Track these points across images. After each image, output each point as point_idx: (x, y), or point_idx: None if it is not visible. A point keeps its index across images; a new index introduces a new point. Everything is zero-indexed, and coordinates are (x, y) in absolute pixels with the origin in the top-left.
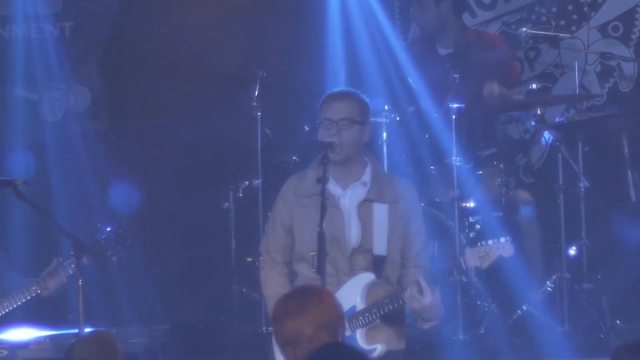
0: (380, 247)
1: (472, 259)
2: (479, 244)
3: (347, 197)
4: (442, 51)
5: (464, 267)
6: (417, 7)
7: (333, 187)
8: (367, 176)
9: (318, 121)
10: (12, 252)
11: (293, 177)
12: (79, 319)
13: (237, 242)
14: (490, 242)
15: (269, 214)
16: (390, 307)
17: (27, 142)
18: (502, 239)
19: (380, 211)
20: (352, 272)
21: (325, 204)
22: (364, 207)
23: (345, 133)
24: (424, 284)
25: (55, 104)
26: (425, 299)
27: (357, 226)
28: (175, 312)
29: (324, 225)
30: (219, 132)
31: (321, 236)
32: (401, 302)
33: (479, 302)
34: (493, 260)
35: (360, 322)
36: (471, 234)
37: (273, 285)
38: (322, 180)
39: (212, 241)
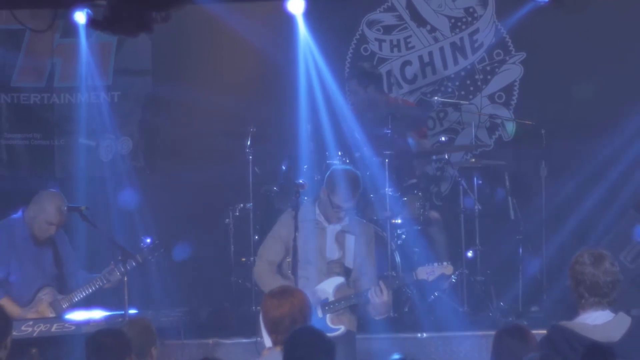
0: (349, 261)
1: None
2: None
3: (331, 227)
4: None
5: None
6: (351, 94)
7: (323, 221)
8: (345, 218)
9: (331, 204)
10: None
11: (289, 210)
12: (124, 305)
13: (235, 247)
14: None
15: (257, 226)
16: (354, 302)
17: (87, 176)
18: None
19: (350, 239)
20: (328, 275)
21: (297, 224)
22: (340, 235)
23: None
24: (383, 286)
25: (107, 148)
26: (384, 296)
27: (336, 247)
28: (191, 298)
29: (314, 241)
30: (223, 170)
31: (295, 249)
32: (363, 299)
33: (404, 290)
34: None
35: (330, 309)
36: (399, 242)
37: (270, 279)
38: (295, 206)
39: (217, 246)
